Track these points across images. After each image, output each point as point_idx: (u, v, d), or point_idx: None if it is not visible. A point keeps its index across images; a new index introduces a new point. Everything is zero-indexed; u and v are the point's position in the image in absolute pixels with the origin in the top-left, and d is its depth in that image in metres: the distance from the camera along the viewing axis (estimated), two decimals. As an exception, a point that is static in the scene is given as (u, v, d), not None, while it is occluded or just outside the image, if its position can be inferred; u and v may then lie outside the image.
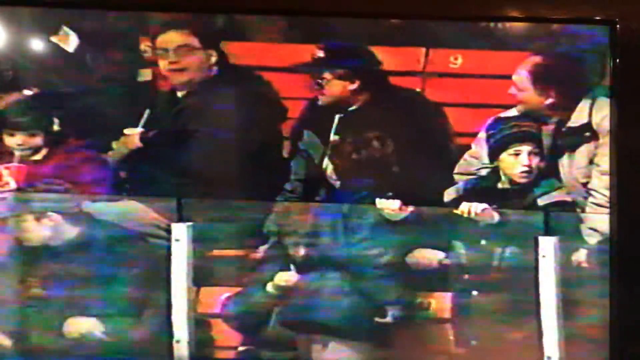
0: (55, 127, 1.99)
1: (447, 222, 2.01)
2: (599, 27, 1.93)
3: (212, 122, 2.01)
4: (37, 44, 1.98)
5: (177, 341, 1.97)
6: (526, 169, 2.00)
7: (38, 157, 1.98)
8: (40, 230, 1.96)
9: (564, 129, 2.01)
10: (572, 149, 2.01)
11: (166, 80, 2.02)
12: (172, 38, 2.00)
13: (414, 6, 1.91)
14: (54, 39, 1.97)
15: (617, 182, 1.93)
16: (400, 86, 2.01)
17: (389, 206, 1.98)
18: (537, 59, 1.99)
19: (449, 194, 2.00)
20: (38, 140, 1.98)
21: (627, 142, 1.92)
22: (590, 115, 2.00)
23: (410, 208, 1.98)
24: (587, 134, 2.00)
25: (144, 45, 1.99)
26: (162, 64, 2.01)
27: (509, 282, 2.00)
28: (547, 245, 1.98)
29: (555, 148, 2.02)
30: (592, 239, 1.98)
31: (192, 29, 2.00)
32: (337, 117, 2.02)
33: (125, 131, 1.99)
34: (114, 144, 2.00)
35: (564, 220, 1.99)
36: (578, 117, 2.01)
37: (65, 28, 1.98)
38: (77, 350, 1.96)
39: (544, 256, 1.98)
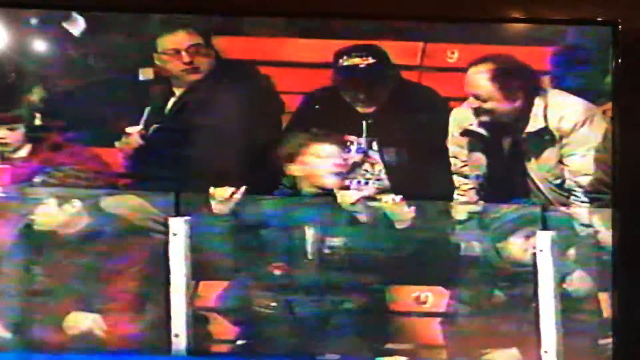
0: (37, 122, 1.99)
1: (445, 217, 2.01)
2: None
3: (210, 118, 2.02)
4: (37, 42, 1.99)
5: (176, 335, 1.97)
6: None
7: (23, 153, 1.99)
8: (58, 215, 1.97)
9: (523, 135, 2.01)
10: (537, 154, 2.01)
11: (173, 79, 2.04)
12: (181, 38, 2.01)
13: (415, 6, 1.92)
14: (64, 24, 1.98)
15: (619, 180, 1.93)
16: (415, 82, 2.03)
17: (390, 200, 1.98)
18: (491, 64, 1.98)
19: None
20: (18, 135, 1.99)
21: (629, 142, 1.92)
22: (545, 118, 2.00)
23: (412, 208, 1.98)
24: (547, 137, 2.00)
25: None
26: (175, 65, 2.02)
27: (507, 276, 2.00)
28: (544, 240, 1.98)
29: (518, 154, 2.01)
30: (586, 235, 1.99)
31: (194, 27, 2.01)
32: (364, 122, 2.03)
33: (127, 130, 2.00)
34: (117, 143, 2.01)
35: (558, 216, 1.99)
36: (535, 122, 2.00)
37: (74, 14, 1.98)
38: (76, 344, 1.97)
39: (541, 250, 1.98)
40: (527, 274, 1.98)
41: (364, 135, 2.03)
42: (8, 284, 1.97)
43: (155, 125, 2.02)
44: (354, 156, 2.03)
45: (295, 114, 2.02)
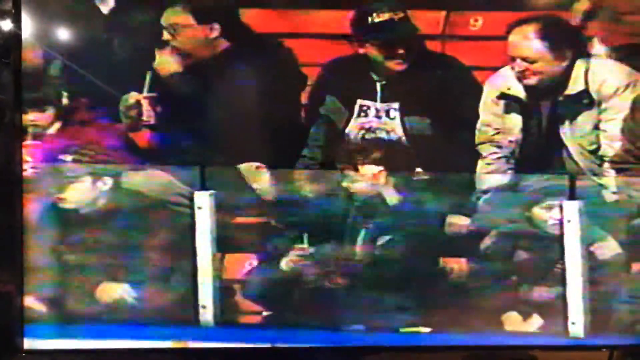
0: (65, 101, 2.03)
1: (470, 188, 2.00)
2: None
3: (232, 91, 2.02)
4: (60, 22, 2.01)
5: (203, 306, 2.01)
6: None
7: (52, 130, 2.03)
8: (89, 192, 2.01)
9: (561, 97, 1.96)
10: (573, 116, 1.96)
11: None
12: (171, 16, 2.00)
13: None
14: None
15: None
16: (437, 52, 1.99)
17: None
18: (532, 25, 1.94)
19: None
20: (48, 115, 2.02)
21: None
22: (586, 81, 1.94)
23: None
24: (586, 100, 1.95)
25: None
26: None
27: (533, 247, 1.98)
28: (572, 209, 1.95)
29: (555, 117, 1.97)
30: (616, 203, 1.96)
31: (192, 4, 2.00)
32: (378, 84, 2.01)
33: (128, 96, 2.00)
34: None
35: (587, 185, 1.96)
36: (574, 84, 1.95)
37: None
38: (108, 315, 2.02)
39: (569, 221, 1.95)
40: (551, 244, 1.96)
41: (379, 98, 2.01)
42: (41, 258, 2.02)
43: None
44: (371, 120, 2.01)
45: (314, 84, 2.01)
